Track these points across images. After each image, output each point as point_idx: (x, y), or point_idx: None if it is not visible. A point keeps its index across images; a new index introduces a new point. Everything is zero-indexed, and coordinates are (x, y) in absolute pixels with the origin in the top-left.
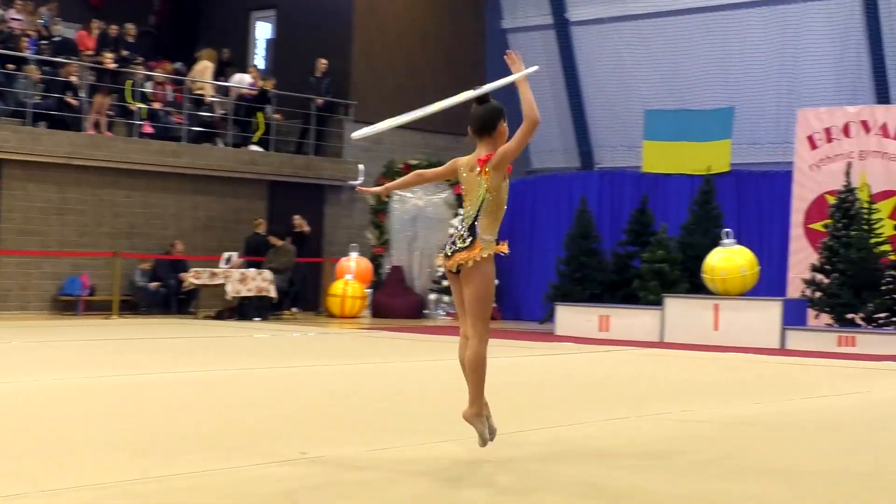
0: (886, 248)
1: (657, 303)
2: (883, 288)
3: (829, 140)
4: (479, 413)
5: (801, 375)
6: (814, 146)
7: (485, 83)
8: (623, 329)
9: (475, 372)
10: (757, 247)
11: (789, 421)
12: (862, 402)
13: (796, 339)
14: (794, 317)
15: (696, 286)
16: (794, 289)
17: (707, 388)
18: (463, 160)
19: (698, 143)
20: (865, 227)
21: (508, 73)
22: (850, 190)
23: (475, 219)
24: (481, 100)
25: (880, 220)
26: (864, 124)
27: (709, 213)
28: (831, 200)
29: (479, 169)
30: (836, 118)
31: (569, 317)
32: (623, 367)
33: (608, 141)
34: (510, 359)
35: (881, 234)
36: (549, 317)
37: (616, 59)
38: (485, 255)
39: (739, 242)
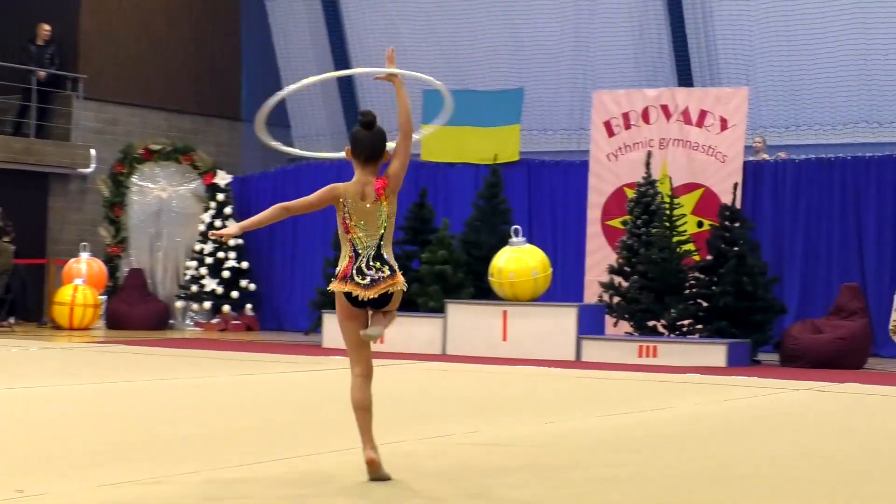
0: (690, 247)
1: (439, 310)
2: (687, 292)
3: (628, 126)
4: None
5: (598, 390)
6: (611, 133)
7: (240, 56)
8: (400, 340)
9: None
10: (550, 246)
11: (582, 442)
12: (663, 420)
13: (593, 349)
14: (591, 324)
15: (482, 291)
16: (592, 293)
17: (495, 406)
18: (346, 188)
19: (484, 129)
20: (667, 223)
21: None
22: (650, 182)
23: (379, 248)
24: (368, 125)
25: (683, 216)
26: (665, 109)
27: (496, 207)
28: (630, 194)
29: (375, 196)
30: (635, 102)
31: (337, 327)
32: (399, 383)
33: (383, 125)
34: (270, 376)
35: (684, 231)
36: (315, 327)
37: (391, 32)
38: (404, 287)
39: (531, 241)
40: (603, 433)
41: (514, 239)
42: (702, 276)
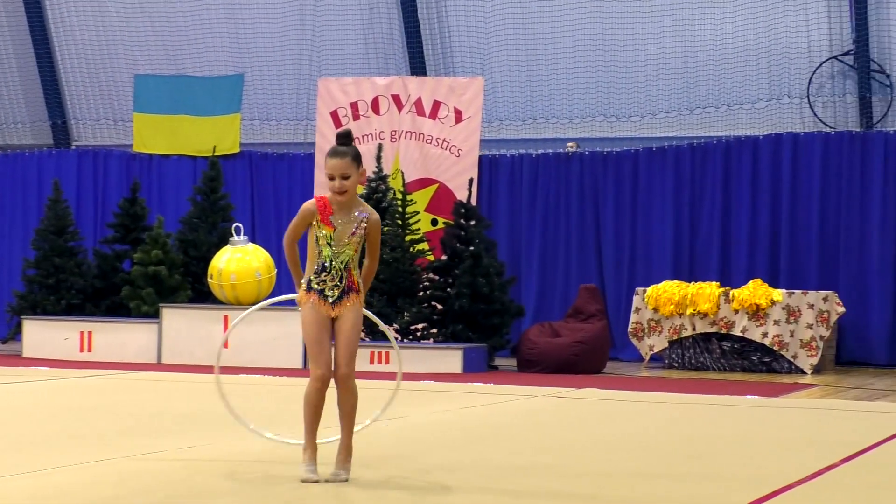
0: (423, 246)
1: (153, 315)
2: (420, 294)
3: (357, 117)
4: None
5: (328, 401)
6: (339, 124)
7: None
8: (111, 348)
9: (354, 412)
10: (275, 245)
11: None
12: (392, 431)
13: None
14: None
15: (200, 294)
16: None
17: (215, 418)
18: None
19: (202, 118)
20: (399, 221)
21: None
22: (381, 177)
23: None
24: (344, 142)
25: (416, 213)
26: (396, 99)
27: (215, 203)
28: (360, 190)
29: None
30: (364, 91)
31: (39, 334)
32: (108, 396)
33: (89, 113)
34: None
35: (417, 230)
36: (13, 334)
37: (98, 11)
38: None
39: (253, 240)
40: (329, 446)
41: (235, 238)
42: (436, 278)
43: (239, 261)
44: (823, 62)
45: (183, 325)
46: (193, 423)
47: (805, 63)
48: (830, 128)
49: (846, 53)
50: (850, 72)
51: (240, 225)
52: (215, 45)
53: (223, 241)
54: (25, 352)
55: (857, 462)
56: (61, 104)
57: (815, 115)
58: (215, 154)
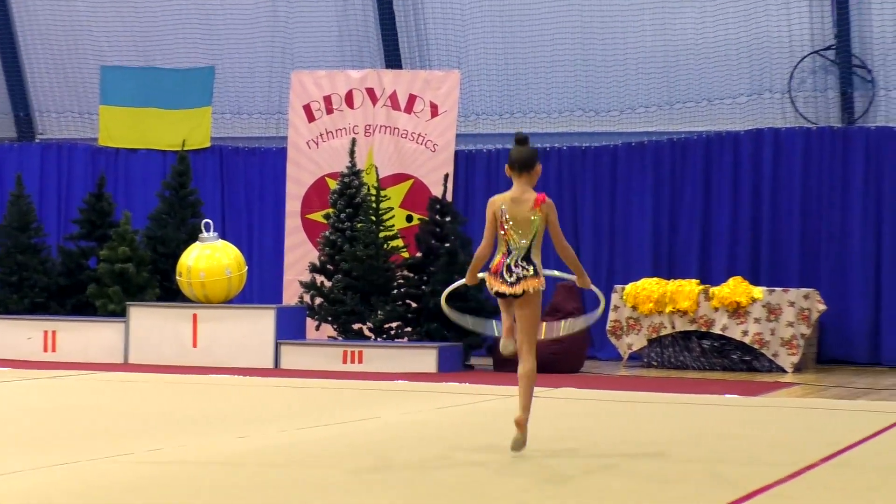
0: (398, 243)
1: (120, 313)
2: (395, 292)
3: (330, 111)
4: (527, 420)
5: (298, 400)
6: (312, 118)
7: None
8: (76, 348)
9: (532, 383)
10: (245, 242)
11: (275, 459)
12: (366, 431)
13: (293, 355)
14: (290, 328)
15: (169, 292)
16: (291, 294)
17: (184, 420)
18: (502, 198)
19: (171, 111)
20: (373, 217)
21: None
22: (354, 172)
23: (529, 250)
24: (521, 141)
25: (391, 209)
26: (371, 92)
27: (185, 199)
28: (333, 185)
29: (532, 204)
30: (338, 84)
31: (2, 333)
32: (75, 397)
33: (54, 105)
34: None
35: (392, 226)
36: None
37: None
38: (542, 286)
39: (224, 237)
40: (301, 447)
41: (204, 234)
42: (411, 275)
43: (209, 258)
44: (805, 57)
45: (151, 325)
46: (161, 425)
47: (786, 58)
48: (812, 123)
49: (828, 48)
50: (832, 67)
51: (210, 221)
52: (185, 37)
53: (192, 237)
54: None
55: (838, 461)
56: (25, 96)
57: (797, 110)
58: (185, 148)
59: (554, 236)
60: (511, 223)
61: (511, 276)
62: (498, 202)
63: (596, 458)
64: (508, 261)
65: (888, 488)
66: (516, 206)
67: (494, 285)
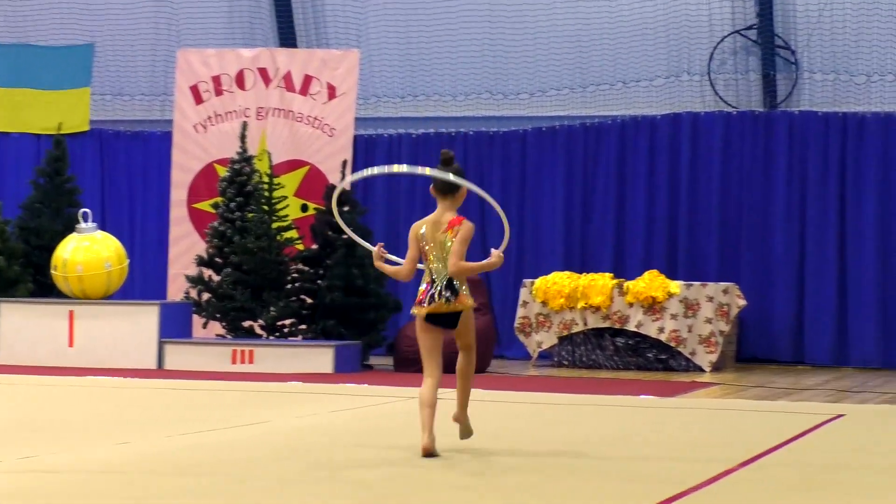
0: (293, 234)
1: None
2: (289, 287)
3: (219, 92)
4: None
5: (182, 403)
6: (199, 100)
7: None
8: None
9: (470, 380)
10: (127, 233)
11: (156, 467)
12: (256, 437)
13: (178, 355)
14: (175, 326)
15: (43, 287)
16: (177, 289)
17: (59, 425)
18: (422, 221)
19: (46, 92)
20: (266, 207)
21: None
22: (245, 159)
23: (449, 276)
24: (447, 162)
25: (285, 198)
26: (263, 73)
27: (60, 187)
28: (222, 172)
29: (446, 227)
30: (228, 63)
31: None
32: None
33: None
34: None
35: (286, 216)
36: None
37: None
38: (474, 304)
39: (103, 228)
40: (187, 454)
41: (82, 225)
42: (306, 269)
43: (86, 250)
44: (725, 37)
45: (23, 321)
46: (34, 431)
47: (706, 38)
48: (732, 107)
49: (749, 28)
50: (754, 47)
51: (88, 211)
52: (62, 12)
53: (69, 228)
54: None
55: (757, 465)
56: None
57: (717, 93)
58: (61, 132)
59: (451, 252)
60: (430, 245)
61: (441, 298)
62: (419, 226)
63: (509, 456)
64: (433, 290)
65: (808, 489)
66: (435, 229)
67: (425, 310)
